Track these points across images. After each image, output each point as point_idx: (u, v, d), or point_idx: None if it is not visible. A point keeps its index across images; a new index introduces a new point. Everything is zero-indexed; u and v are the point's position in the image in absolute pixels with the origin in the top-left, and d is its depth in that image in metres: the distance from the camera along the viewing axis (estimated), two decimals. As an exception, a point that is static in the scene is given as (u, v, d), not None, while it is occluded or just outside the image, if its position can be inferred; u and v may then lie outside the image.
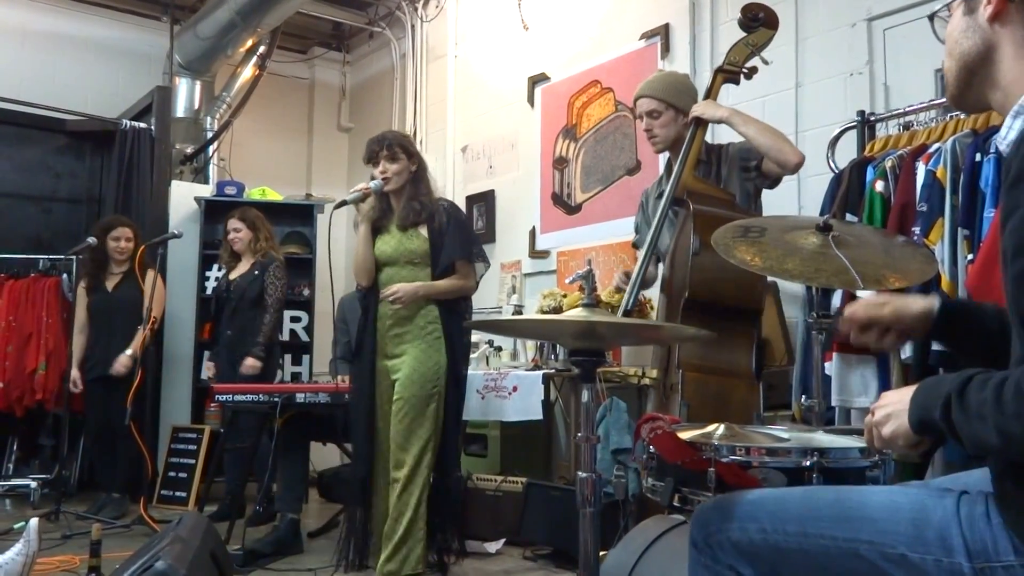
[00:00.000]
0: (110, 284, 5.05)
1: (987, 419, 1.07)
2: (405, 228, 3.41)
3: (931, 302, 1.52)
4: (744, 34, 2.98)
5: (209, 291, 5.83)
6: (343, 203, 3.45)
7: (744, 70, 2.98)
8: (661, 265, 3.14)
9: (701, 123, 2.95)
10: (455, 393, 3.38)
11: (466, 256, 3.41)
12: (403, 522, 3.17)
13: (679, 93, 3.11)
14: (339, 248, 6.85)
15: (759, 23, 2.94)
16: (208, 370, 5.06)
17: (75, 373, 4.96)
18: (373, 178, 3.43)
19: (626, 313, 2.80)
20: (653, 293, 3.58)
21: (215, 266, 5.85)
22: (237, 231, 4.94)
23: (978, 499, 1.19)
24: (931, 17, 1.40)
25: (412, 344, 3.33)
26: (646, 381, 3.80)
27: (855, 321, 1.55)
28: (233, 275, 4.95)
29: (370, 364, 3.41)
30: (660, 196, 3.02)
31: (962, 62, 1.29)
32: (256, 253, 4.91)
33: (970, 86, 1.30)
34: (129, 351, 4.82)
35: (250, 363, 4.68)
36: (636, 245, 3.40)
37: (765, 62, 3.00)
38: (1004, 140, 1.22)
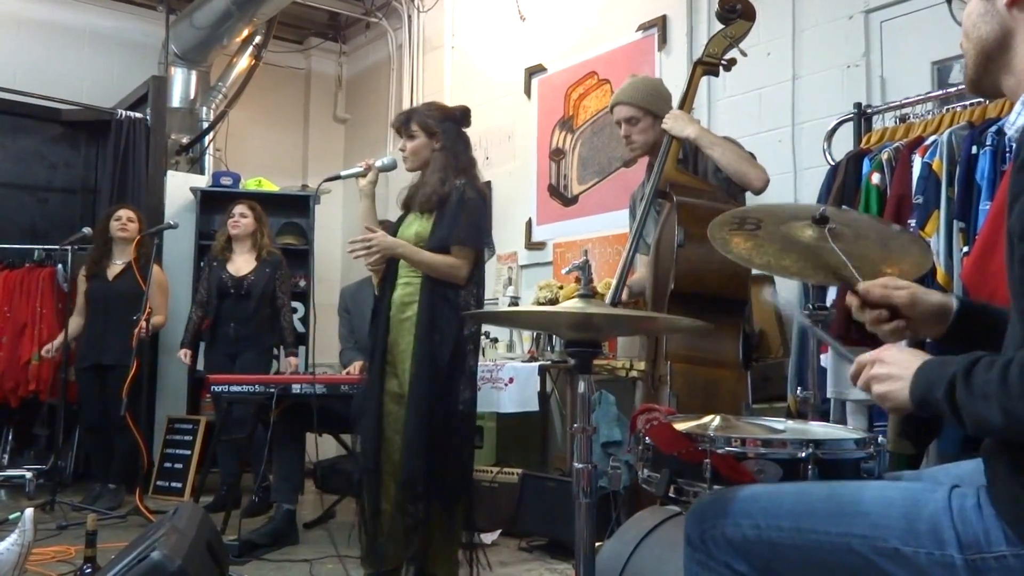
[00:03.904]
0: (111, 273, 5.02)
1: (991, 399, 1.09)
2: (422, 212, 3.11)
3: (948, 299, 1.49)
4: (722, 26, 3.01)
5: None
6: (336, 177, 3.24)
7: (723, 62, 3.00)
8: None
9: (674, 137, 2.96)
10: (436, 385, 2.94)
11: (461, 241, 3.00)
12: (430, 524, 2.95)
13: (655, 99, 3.16)
14: (335, 239, 6.87)
15: (736, 15, 2.98)
16: (185, 357, 4.99)
17: (53, 343, 5.05)
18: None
19: (616, 305, 2.81)
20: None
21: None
22: (244, 216, 4.93)
23: (969, 492, 1.20)
24: (949, 1, 1.39)
25: (412, 335, 3.02)
26: (634, 374, 3.80)
27: (869, 298, 1.48)
28: (235, 269, 4.91)
29: (381, 356, 3.09)
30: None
31: (979, 47, 1.28)
32: (258, 248, 4.91)
33: (987, 71, 1.29)
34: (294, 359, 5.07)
35: (295, 362, 5.00)
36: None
37: (743, 54, 3.03)
38: (1013, 125, 1.22)
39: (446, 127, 3.16)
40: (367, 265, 3.27)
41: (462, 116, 3.25)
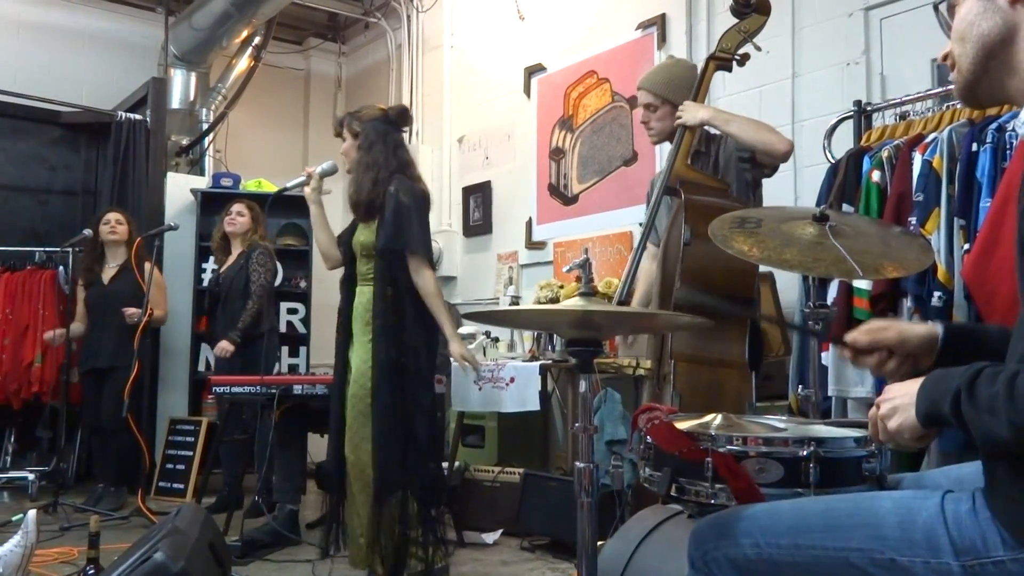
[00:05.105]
0: (106, 276, 5.02)
1: (998, 413, 1.06)
2: (365, 220, 3.17)
3: (932, 328, 1.49)
4: (736, 20, 2.97)
5: (206, 283, 5.83)
6: (284, 190, 3.40)
7: (736, 57, 2.94)
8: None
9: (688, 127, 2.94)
10: (398, 386, 3.02)
11: (414, 249, 3.07)
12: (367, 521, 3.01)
13: (676, 87, 3.09)
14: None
15: (751, 9, 2.91)
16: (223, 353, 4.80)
17: (57, 331, 5.02)
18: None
19: (621, 303, 2.80)
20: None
21: (211, 258, 5.85)
22: (241, 215, 4.91)
23: (963, 496, 1.19)
24: (936, 7, 1.34)
25: (359, 339, 3.13)
26: (640, 372, 3.80)
27: (859, 346, 1.51)
28: (224, 268, 4.94)
29: (343, 363, 3.17)
30: None
31: (980, 44, 1.23)
32: (246, 243, 4.91)
33: (987, 72, 1.24)
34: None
35: (221, 345, 4.60)
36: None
37: (757, 48, 2.96)
38: (1022, 123, 1.21)
39: (367, 127, 3.20)
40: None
41: (396, 116, 3.28)
